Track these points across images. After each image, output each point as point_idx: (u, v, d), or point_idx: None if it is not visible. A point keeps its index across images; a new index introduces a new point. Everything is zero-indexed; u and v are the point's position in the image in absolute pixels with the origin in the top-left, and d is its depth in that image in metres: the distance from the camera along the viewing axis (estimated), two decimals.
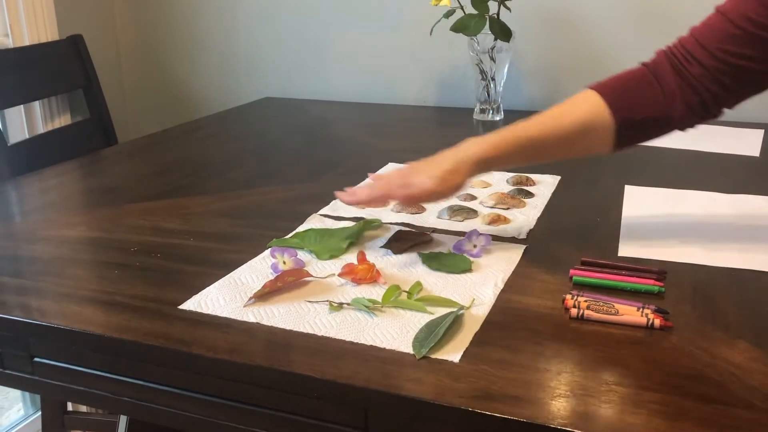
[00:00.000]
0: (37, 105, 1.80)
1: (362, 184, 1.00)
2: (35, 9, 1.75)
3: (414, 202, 1.00)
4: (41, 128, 1.82)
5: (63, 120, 1.87)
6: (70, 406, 1.76)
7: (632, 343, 0.69)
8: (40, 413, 1.72)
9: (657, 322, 0.72)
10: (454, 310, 0.74)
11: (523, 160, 0.92)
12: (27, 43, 1.75)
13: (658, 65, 0.89)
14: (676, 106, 0.87)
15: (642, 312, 0.73)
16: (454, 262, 0.87)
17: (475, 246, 0.89)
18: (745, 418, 0.58)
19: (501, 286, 0.81)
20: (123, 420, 1.24)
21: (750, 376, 0.63)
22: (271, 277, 0.81)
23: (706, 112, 0.87)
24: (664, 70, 0.88)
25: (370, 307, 0.76)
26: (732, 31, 0.84)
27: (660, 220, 1.02)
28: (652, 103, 0.87)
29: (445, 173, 0.87)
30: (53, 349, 0.77)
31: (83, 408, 1.86)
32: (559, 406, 0.60)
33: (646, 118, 0.88)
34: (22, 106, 1.77)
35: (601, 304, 0.74)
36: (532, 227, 0.99)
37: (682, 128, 0.90)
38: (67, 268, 0.89)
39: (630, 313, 0.73)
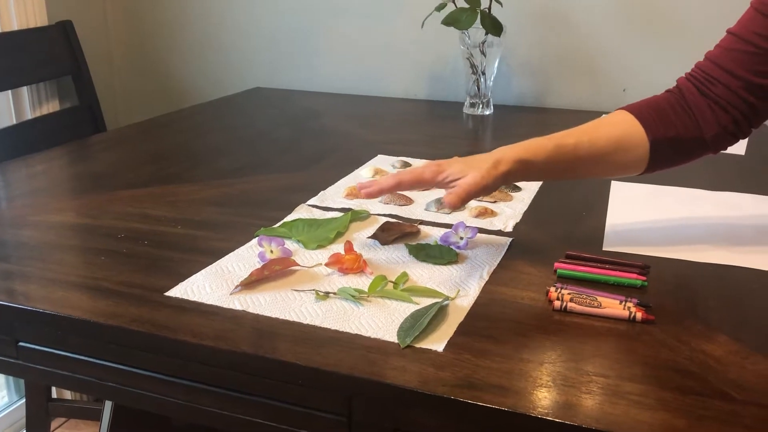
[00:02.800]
0: (25, 91, 1.79)
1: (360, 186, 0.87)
2: None
3: (459, 194, 0.82)
4: (29, 114, 1.80)
5: (51, 106, 1.86)
6: (54, 394, 1.76)
7: (614, 336, 0.70)
8: (24, 400, 1.71)
9: (639, 315, 0.73)
10: (439, 300, 0.75)
11: (559, 170, 0.88)
12: (15, 28, 1.74)
13: (683, 89, 0.89)
14: (707, 126, 0.86)
15: (624, 305, 0.74)
16: (440, 253, 0.87)
17: (461, 238, 0.89)
18: (723, 409, 0.59)
19: (486, 277, 0.82)
20: (108, 406, 1.25)
21: (728, 369, 0.64)
22: (258, 266, 0.81)
23: (738, 130, 0.87)
24: (690, 92, 0.88)
25: (356, 296, 0.76)
26: (746, 49, 0.84)
27: (645, 216, 1.03)
28: (683, 123, 0.87)
29: (489, 168, 0.82)
30: (38, 334, 0.77)
31: (68, 395, 1.86)
32: (540, 395, 0.60)
33: (679, 137, 0.87)
34: (9, 91, 1.76)
35: (585, 296, 0.75)
36: (518, 221, 1.00)
37: (715, 149, 0.89)
38: (54, 254, 0.89)
39: (612, 306, 0.74)
